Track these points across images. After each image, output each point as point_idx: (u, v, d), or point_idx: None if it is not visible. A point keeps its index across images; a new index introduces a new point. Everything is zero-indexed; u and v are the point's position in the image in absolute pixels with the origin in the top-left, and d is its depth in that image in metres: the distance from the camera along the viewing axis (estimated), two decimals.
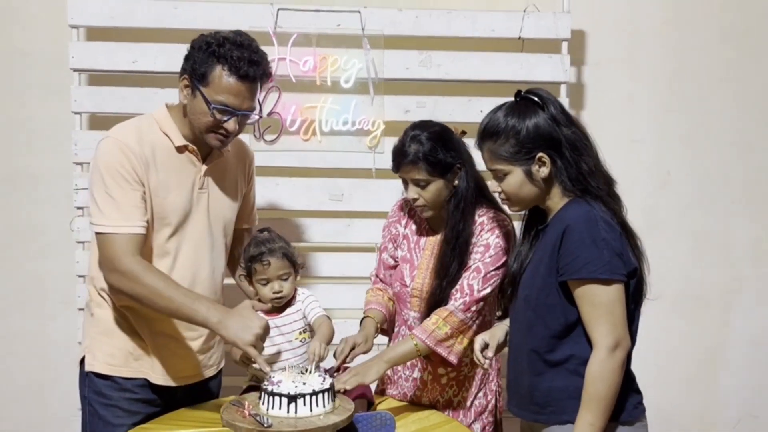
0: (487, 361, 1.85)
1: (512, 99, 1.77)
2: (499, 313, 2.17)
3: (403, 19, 2.70)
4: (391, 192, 2.70)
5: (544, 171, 1.70)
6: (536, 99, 1.71)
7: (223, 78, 1.86)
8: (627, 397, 1.67)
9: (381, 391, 2.26)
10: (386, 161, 2.69)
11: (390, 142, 2.70)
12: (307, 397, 1.72)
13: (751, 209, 3.12)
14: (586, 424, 1.60)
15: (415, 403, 2.16)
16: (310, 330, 2.08)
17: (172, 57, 2.64)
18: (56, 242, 2.92)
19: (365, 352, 2.07)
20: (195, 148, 1.99)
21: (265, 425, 1.66)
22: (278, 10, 2.66)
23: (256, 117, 2.03)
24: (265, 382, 1.78)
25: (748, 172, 3.10)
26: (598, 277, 1.59)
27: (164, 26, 2.67)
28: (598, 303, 1.60)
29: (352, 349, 2.04)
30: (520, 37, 2.73)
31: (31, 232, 2.93)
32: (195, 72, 1.89)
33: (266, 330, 1.84)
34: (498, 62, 2.74)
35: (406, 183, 2.08)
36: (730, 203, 3.10)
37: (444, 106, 2.74)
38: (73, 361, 2.83)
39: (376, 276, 2.30)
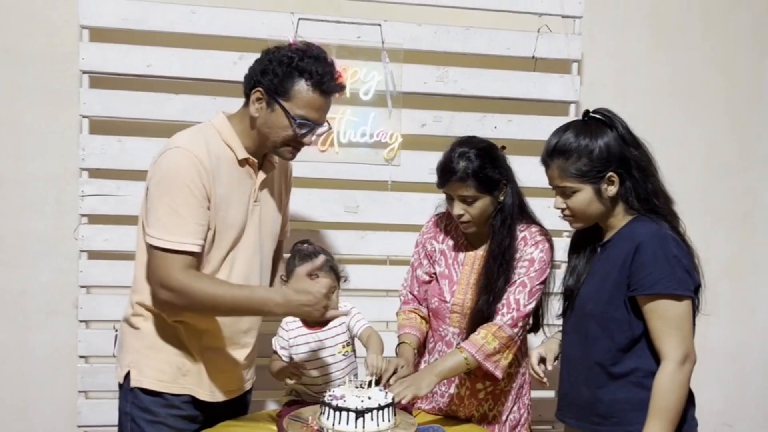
0: (545, 376, 1.88)
1: (577, 119, 1.83)
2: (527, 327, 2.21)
3: (422, 34, 2.73)
4: (406, 205, 2.75)
5: (612, 190, 1.76)
6: (604, 118, 1.77)
7: (307, 93, 1.85)
8: (688, 409, 1.74)
9: (411, 405, 2.24)
10: (402, 174, 2.76)
11: (406, 155, 2.75)
12: (374, 412, 1.72)
13: (728, 228, 3.29)
14: None
15: (450, 417, 2.16)
16: (352, 343, 2.07)
17: (188, 62, 2.61)
18: (45, 250, 2.77)
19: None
20: (255, 160, 1.95)
21: None
22: (299, 19, 2.63)
23: (327, 128, 2.02)
24: (328, 397, 1.76)
25: (726, 192, 3.27)
26: (672, 293, 1.65)
27: (180, 31, 2.60)
28: (669, 317, 1.67)
29: (395, 372, 2.00)
30: (533, 57, 2.80)
31: (17, 239, 2.76)
32: (274, 86, 1.85)
33: (330, 289, 1.82)
34: (512, 80, 2.80)
35: (450, 199, 2.08)
36: (709, 222, 3.26)
37: (459, 121, 2.78)
38: (60, 377, 2.75)
39: (409, 293, 2.28)
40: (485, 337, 2.00)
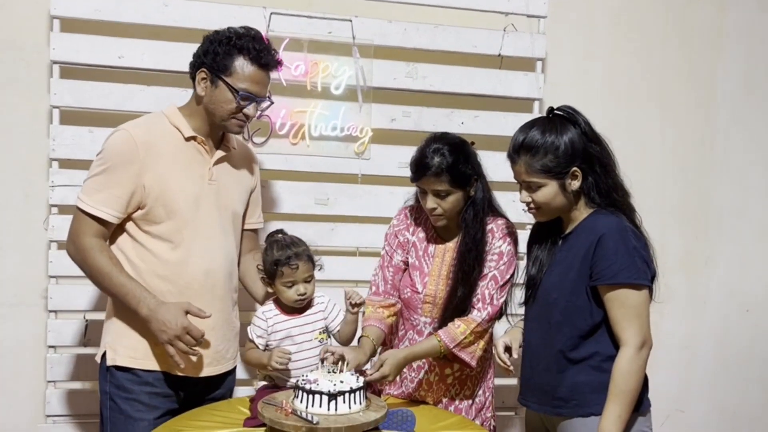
0: (511, 364, 1.96)
1: (542, 116, 1.92)
2: None
3: (392, 31, 2.79)
4: (375, 198, 2.82)
5: (576, 184, 1.84)
6: (567, 115, 1.85)
7: (245, 67, 2.04)
8: (643, 391, 1.84)
9: (379, 392, 2.30)
10: (372, 167, 2.82)
11: (376, 149, 2.82)
12: (346, 395, 1.78)
13: (682, 223, 3.42)
14: (615, 416, 1.74)
15: (419, 402, 2.23)
16: (327, 331, 2.13)
17: (160, 54, 2.63)
18: (11, 241, 2.75)
19: (356, 369, 2.02)
20: (203, 139, 2.09)
21: (314, 423, 1.69)
22: (271, 14, 2.67)
23: (269, 103, 2.18)
24: (301, 381, 1.81)
25: (681, 188, 3.41)
26: (632, 282, 1.74)
27: (153, 23, 2.62)
28: (629, 305, 1.75)
29: (341, 361, 1.96)
30: (499, 55, 2.88)
31: None
32: (216, 64, 2.03)
33: (187, 332, 1.96)
34: (478, 77, 2.88)
35: (424, 193, 2.14)
36: (664, 218, 3.38)
37: (428, 117, 2.85)
38: (27, 368, 2.74)
39: (382, 281, 2.28)
40: (464, 333, 2.08)
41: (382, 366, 1.99)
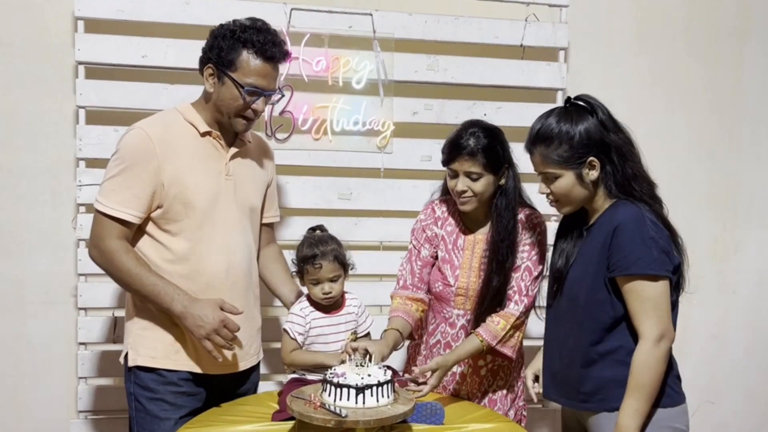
0: (536, 395, 2.03)
1: (559, 106, 1.90)
2: None
3: (412, 24, 2.78)
4: (398, 192, 2.82)
5: (594, 174, 1.82)
6: (585, 105, 1.83)
7: (251, 61, 1.99)
8: (669, 383, 1.81)
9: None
10: (394, 161, 2.82)
11: (398, 143, 2.81)
12: (374, 388, 1.78)
13: (710, 210, 3.38)
14: (632, 409, 1.72)
15: (453, 395, 2.24)
16: (356, 333, 2.16)
17: (183, 52, 2.65)
18: (41, 240, 2.80)
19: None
20: (219, 134, 2.07)
21: (342, 416, 1.70)
22: (291, 9, 2.68)
23: (279, 96, 2.16)
24: (329, 374, 1.82)
25: (709, 176, 3.36)
26: (647, 273, 1.71)
27: (175, 21, 2.64)
28: (646, 297, 1.73)
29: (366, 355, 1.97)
30: (521, 45, 2.86)
31: (14, 229, 2.78)
32: (221, 59, 1.99)
33: (224, 325, 1.95)
34: (500, 68, 2.87)
35: (454, 176, 2.13)
36: (692, 205, 3.34)
37: (450, 109, 2.84)
38: (59, 365, 2.79)
39: (409, 275, 2.26)
40: (504, 328, 2.10)
41: (432, 375, 2.01)
